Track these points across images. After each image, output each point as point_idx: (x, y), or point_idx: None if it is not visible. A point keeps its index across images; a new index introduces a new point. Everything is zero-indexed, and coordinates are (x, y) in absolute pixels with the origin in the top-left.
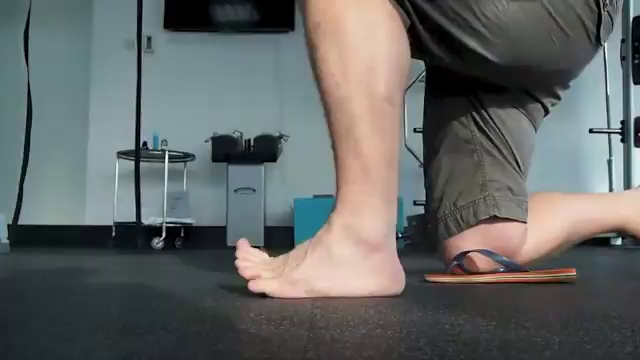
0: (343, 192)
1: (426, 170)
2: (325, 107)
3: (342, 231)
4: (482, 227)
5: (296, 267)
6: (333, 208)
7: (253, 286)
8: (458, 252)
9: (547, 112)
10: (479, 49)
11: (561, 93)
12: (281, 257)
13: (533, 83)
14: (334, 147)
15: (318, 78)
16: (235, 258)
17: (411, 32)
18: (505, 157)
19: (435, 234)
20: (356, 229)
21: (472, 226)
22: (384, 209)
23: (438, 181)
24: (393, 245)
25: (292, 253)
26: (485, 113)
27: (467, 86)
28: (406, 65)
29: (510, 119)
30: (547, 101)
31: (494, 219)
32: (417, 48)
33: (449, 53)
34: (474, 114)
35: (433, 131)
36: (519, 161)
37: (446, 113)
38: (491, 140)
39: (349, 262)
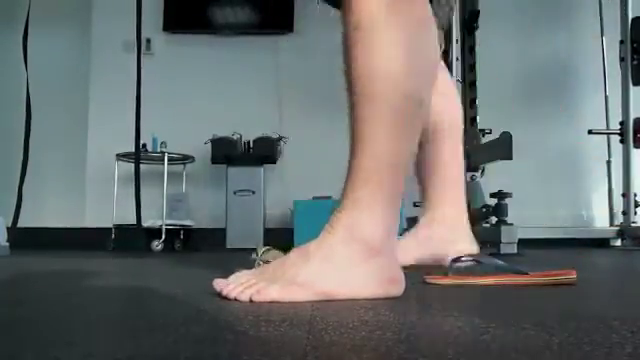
0: (351, 189)
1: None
2: (350, 105)
3: (344, 232)
4: None
5: (301, 268)
6: (340, 203)
7: (257, 297)
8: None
9: None
10: None
11: None
12: (275, 262)
13: None
14: (352, 144)
15: (347, 76)
16: (219, 295)
17: None
18: None
19: None
20: (358, 230)
21: None
22: (386, 213)
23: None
24: (393, 248)
25: (293, 255)
26: None
27: None
28: (436, 66)
29: None
30: None
31: None
32: None
33: None
34: None
35: None
36: None
37: None
38: None
39: (351, 264)
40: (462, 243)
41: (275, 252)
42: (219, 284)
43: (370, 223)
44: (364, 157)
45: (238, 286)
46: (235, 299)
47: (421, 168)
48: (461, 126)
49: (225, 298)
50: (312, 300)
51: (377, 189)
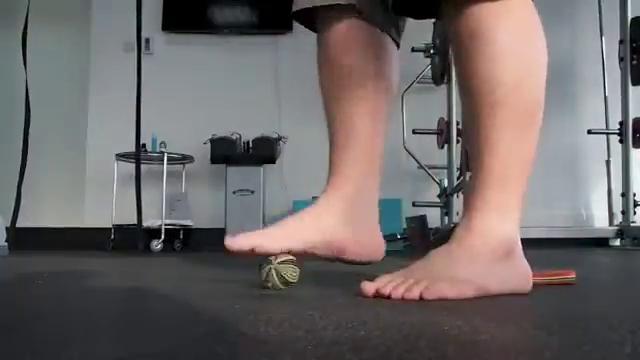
0: (482, 192)
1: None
2: (472, 112)
3: (483, 233)
4: None
5: (456, 267)
6: (471, 209)
7: (427, 293)
8: None
9: None
10: None
11: None
12: (419, 264)
13: None
14: (478, 148)
15: (465, 84)
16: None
17: None
18: None
19: None
20: (495, 231)
21: None
22: (516, 212)
23: None
24: (520, 245)
25: (436, 257)
26: None
27: None
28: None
29: None
30: None
31: None
32: None
33: None
34: None
35: None
36: None
37: None
38: None
39: (493, 262)
40: (362, 236)
41: (293, 268)
42: (368, 287)
43: (505, 224)
44: (494, 161)
45: (396, 286)
46: (402, 298)
47: (336, 134)
48: (392, 93)
49: (378, 296)
50: (474, 295)
51: (508, 191)
